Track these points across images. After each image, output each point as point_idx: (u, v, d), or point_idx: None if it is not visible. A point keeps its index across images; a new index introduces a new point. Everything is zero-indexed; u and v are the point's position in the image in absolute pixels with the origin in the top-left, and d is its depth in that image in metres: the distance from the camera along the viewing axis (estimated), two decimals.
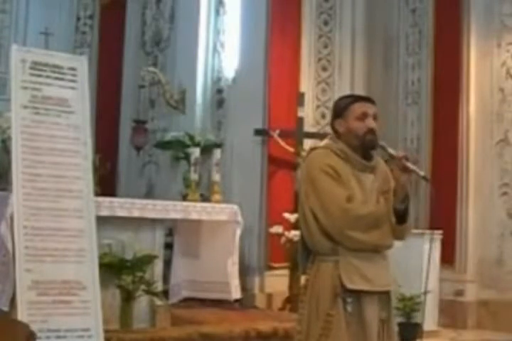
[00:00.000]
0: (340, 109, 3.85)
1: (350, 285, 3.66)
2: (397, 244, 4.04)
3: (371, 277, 3.71)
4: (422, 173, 3.76)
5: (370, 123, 3.78)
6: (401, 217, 3.79)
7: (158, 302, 6.56)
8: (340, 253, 3.70)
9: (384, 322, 3.77)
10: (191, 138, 8.90)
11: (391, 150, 3.75)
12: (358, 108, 3.79)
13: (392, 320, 3.85)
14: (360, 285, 3.68)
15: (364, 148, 3.80)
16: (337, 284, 3.67)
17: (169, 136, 9.18)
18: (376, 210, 3.71)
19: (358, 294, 3.69)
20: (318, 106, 9.22)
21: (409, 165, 3.70)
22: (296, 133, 8.61)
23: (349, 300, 3.67)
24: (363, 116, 3.77)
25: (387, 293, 3.81)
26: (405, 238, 3.95)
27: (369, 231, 3.67)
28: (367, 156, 3.83)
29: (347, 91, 9.25)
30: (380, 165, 3.89)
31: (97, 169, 6.89)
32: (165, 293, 6.90)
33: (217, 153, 7.62)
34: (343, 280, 3.66)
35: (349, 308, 3.66)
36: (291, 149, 8.54)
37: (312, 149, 3.95)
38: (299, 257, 3.90)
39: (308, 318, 3.73)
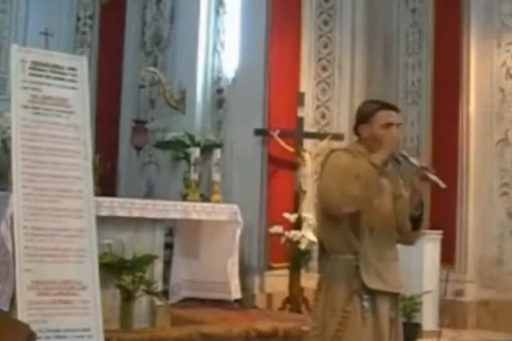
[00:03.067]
0: (366, 114, 3.91)
1: (370, 285, 3.77)
2: (397, 244, 4.08)
3: (387, 278, 3.84)
4: (442, 185, 3.80)
5: (395, 132, 3.86)
6: (415, 223, 3.92)
7: (158, 302, 6.55)
8: (360, 253, 3.79)
9: (393, 322, 3.91)
10: (191, 138, 8.90)
11: (413, 160, 3.84)
12: (384, 116, 3.87)
13: (399, 321, 3.99)
14: (378, 286, 3.80)
15: None
16: (353, 281, 3.78)
17: (169, 136, 9.18)
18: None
19: (373, 292, 3.80)
20: (318, 106, 9.22)
21: (431, 176, 3.80)
22: (296, 133, 8.62)
23: (366, 296, 3.77)
24: (388, 126, 3.85)
25: (397, 295, 3.95)
26: (415, 243, 4.12)
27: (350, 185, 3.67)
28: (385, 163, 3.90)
29: (347, 92, 9.28)
30: (392, 171, 3.97)
31: (97, 169, 6.89)
32: (165, 293, 6.90)
33: (217, 153, 7.62)
34: (363, 278, 3.76)
35: (366, 304, 3.77)
36: (291, 149, 8.54)
37: (332, 151, 4.02)
38: (317, 257, 4.04)
39: (323, 314, 3.82)
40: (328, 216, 3.85)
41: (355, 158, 3.83)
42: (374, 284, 3.78)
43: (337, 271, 3.82)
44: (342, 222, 3.81)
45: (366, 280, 3.76)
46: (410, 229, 3.93)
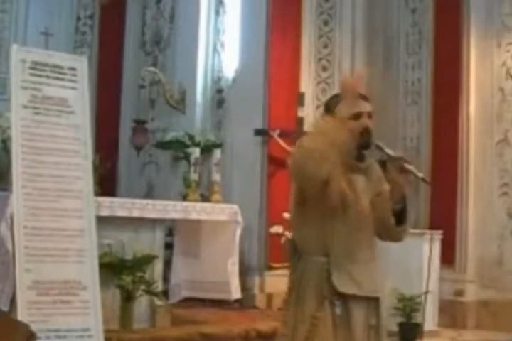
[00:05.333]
0: (333, 106, 3.68)
1: (341, 289, 3.54)
2: (397, 243, 4.01)
3: (361, 281, 3.58)
4: (420, 175, 3.60)
5: (365, 122, 3.60)
6: (399, 218, 3.68)
7: (158, 302, 6.56)
8: (331, 254, 3.58)
9: (373, 329, 3.64)
10: (191, 138, 8.91)
11: (388, 151, 3.60)
12: (351, 107, 3.62)
13: (381, 327, 3.68)
14: (350, 289, 3.56)
15: (359, 147, 3.63)
16: (324, 286, 3.56)
17: (169, 136, 9.18)
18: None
19: (345, 297, 3.56)
20: (318, 106, 9.21)
21: (407, 166, 3.55)
22: (296, 133, 8.61)
23: (337, 302, 3.55)
24: (358, 116, 3.61)
25: (376, 299, 3.66)
26: (403, 239, 3.83)
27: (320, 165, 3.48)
28: (359, 157, 3.69)
29: None
30: (372, 166, 3.75)
31: (97, 169, 6.88)
32: (165, 293, 6.90)
33: (217, 153, 7.62)
34: (334, 282, 3.54)
35: (338, 311, 3.55)
36: (292, 149, 8.54)
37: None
38: (289, 257, 3.84)
39: (294, 320, 3.61)
40: (301, 213, 3.66)
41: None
42: (346, 288, 3.53)
43: (308, 273, 3.62)
44: (314, 220, 3.59)
45: (337, 283, 3.52)
46: (393, 225, 3.65)
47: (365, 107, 3.65)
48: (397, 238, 3.81)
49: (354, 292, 3.56)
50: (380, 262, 3.77)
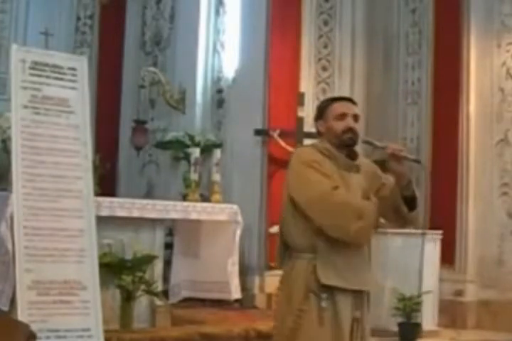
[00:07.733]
0: (321, 109, 3.91)
1: (324, 281, 3.66)
2: (397, 243, 4.04)
3: (347, 275, 3.71)
4: (412, 157, 3.80)
5: (349, 122, 3.81)
6: (410, 203, 3.79)
7: (158, 302, 6.56)
8: (318, 249, 3.70)
9: (358, 322, 3.76)
10: (191, 138, 8.90)
11: (378, 143, 3.79)
12: (337, 108, 3.85)
13: (366, 321, 3.82)
14: (334, 282, 3.68)
15: (342, 146, 3.82)
16: (310, 279, 3.68)
17: (169, 136, 9.18)
18: (357, 203, 3.69)
19: (331, 291, 3.68)
20: None
21: (400, 153, 3.71)
22: (296, 133, 8.62)
23: (324, 295, 3.67)
24: (342, 116, 3.81)
25: (362, 293, 3.80)
26: (416, 224, 4.01)
27: (350, 222, 3.63)
28: (352, 156, 3.86)
29: (347, 92, 9.27)
30: (365, 164, 3.91)
31: (97, 169, 6.88)
32: (165, 293, 6.90)
33: (217, 153, 7.61)
34: (318, 274, 3.67)
35: (324, 304, 3.67)
36: (291, 149, 8.54)
37: (298, 148, 4.03)
38: (277, 252, 3.92)
39: (282, 313, 3.76)
40: (296, 213, 3.80)
41: (322, 155, 3.80)
42: (329, 280, 3.66)
43: (297, 268, 3.73)
44: (309, 221, 3.73)
45: (321, 276, 3.65)
46: (407, 212, 3.79)
47: (351, 109, 3.86)
48: (414, 222, 3.94)
49: (338, 284, 3.68)
50: (373, 257, 3.91)
